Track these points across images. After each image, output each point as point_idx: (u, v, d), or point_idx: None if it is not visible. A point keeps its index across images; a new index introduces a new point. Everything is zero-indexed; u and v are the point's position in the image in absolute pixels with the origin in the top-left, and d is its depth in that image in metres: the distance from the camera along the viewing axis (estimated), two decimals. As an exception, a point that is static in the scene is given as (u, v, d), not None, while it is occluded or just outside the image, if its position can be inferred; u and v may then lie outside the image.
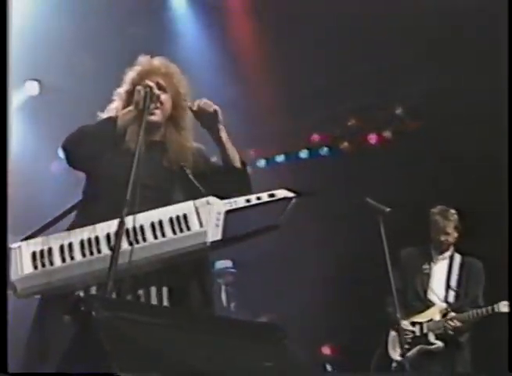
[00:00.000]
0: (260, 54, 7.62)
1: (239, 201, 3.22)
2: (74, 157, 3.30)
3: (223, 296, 7.60)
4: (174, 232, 3.11)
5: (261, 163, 8.68)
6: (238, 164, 3.37)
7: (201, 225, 3.15)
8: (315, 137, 8.44)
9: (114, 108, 3.48)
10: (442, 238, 5.33)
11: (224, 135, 3.31)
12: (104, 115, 3.49)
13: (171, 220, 3.13)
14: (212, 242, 3.11)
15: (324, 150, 8.40)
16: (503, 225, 6.00)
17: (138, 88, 3.24)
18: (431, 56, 7.07)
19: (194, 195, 3.27)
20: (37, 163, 8.40)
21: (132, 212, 2.98)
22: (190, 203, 3.21)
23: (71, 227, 3.21)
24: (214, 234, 3.15)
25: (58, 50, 7.24)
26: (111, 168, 3.22)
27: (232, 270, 7.74)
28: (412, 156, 7.36)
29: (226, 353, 2.31)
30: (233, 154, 3.37)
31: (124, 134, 3.30)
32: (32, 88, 7.84)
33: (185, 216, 3.15)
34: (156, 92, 3.23)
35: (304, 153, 8.47)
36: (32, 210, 7.73)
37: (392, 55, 7.18)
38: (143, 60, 3.50)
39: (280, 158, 8.63)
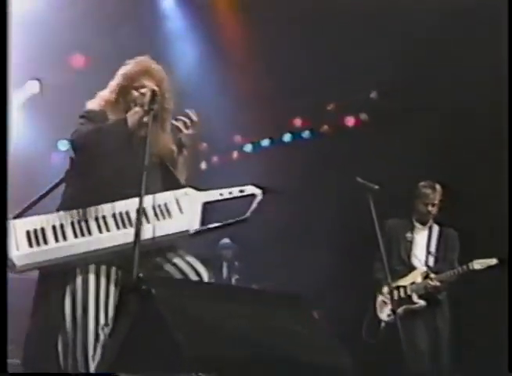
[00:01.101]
0: (245, 46, 7.84)
1: (214, 194, 3.49)
2: (87, 153, 3.41)
3: (224, 271, 7.91)
4: (157, 218, 3.31)
5: (248, 147, 9.02)
6: (182, 179, 3.60)
7: (181, 212, 3.39)
8: (298, 121, 8.77)
9: (102, 97, 3.66)
10: (429, 208, 5.63)
11: (181, 159, 3.59)
12: (92, 103, 3.66)
13: (153, 207, 3.32)
14: (192, 230, 3.35)
15: (306, 134, 8.76)
16: (476, 198, 6.50)
17: (143, 90, 3.51)
18: (404, 44, 7.16)
19: (172, 186, 3.51)
20: (38, 155, 8.50)
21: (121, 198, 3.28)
22: (171, 193, 3.44)
23: (64, 207, 3.38)
24: (194, 223, 3.39)
25: (55, 50, 7.35)
26: (117, 163, 3.39)
27: (232, 246, 8.05)
28: (386, 136, 7.59)
29: (263, 321, 2.56)
30: (181, 174, 3.62)
31: (133, 132, 3.43)
32: (33, 86, 7.91)
33: (165, 205, 3.38)
34: (158, 96, 3.41)
35: (287, 137, 8.85)
36: (32, 197, 8.08)
37: (367, 43, 7.32)
38: (140, 60, 3.72)
39: (265, 142, 8.97)
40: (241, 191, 3.51)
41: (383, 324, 5.49)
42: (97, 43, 7.39)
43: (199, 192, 3.49)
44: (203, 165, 8.83)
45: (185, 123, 3.52)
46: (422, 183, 5.75)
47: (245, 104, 8.21)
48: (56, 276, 3.25)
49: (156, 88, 3.47)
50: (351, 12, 7.00)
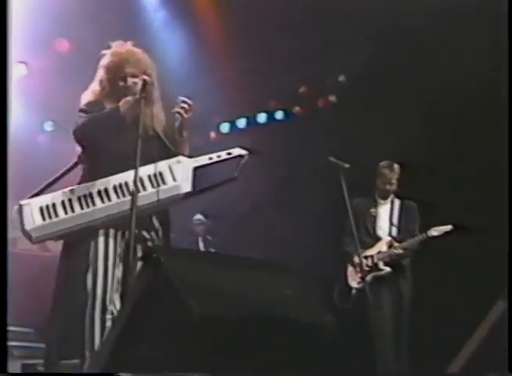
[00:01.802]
0: (223, 31, 8.05)
1: (204, 159, 3.72)
2: (87, 142, 3.76)
3: (201, 245, 8.04)
4: (152, 186, 3.58)
5: (225, 127, 9.24)
6: (186, 152, 3.85)
7: (174, 179, 3.63)
8: (272, 103, 8.97)
9: (93, 90, 3.91)
10: (387, 187, 6.01)
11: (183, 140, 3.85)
12: (86, 95, 3.92)
13: (149, 177, 3.60)
14: (185, 193, 3.62)
15: (280, 114, 8.97)
16: (436, 173, 6.81)
17: (134, 80, 3.75)
18: (372, 29, 7.42)
19: (166, 154, 3.73)
20: (25, 136, 8.79)
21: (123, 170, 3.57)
22: (164, 162, 3.66)
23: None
24: (186, 187, 3.64)
25: (40, 34, 7.56)
26: (115, 145, 3.68)
27: (205, 221, 8.21)
28: (353, 117, 7.87)
29: (259, 285, 2.84)
30: (185, 146, 3.89)
31: (125, 119, 3.70)
32: (20, 69, 8.07)
33: (160, 173, 3.62)
34: (149, 84, 3.67)
35: (262, 118, 9.03)
36: (20, 177, 8.32)
37: (335, 29, 7.61)
38: (118, 50, 3.94)
39: (241, 122, 9.16)
40: (229, 153, 3.74)
41: (353, 291, 5.84)
42: (80, 29, 7.57)
43: (190, 159, 3.74)
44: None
45: (185, 109, 3.79)
46: (381, 163, 6.10)
47: (222, 87, 8.38)
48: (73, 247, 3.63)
49: (147, 78, 3.70)
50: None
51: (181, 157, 3.73)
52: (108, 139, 3.68)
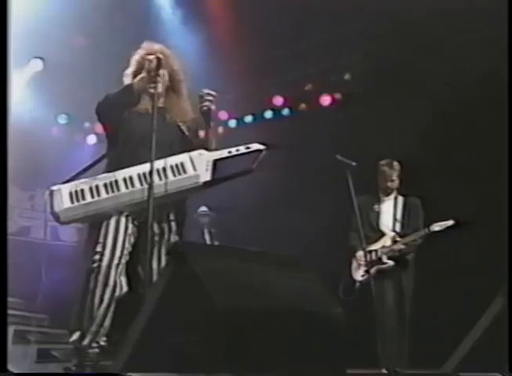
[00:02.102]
0: (232, 31, 8.05)
1: (224, 152, 3.90)
2: (104, 117, 4.03)
3: (206, 236, 8.21)
4: (174, 175, 3.77)
5: (233, 123, 9.39)
6: (213, 147, 3.99)
7: (195, 170, 3.82)
8: (278, 100, 9.09)
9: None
10: (388, 184, 6.17)
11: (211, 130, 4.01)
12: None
13: (171, 167, 3.80)
14: (204, 182, 3.81)
15: (286, 111, 9.09)
16: (439, 170, 6.96)
17: (150, 57, 3.91)
18: (376, 28, 7.63)
19: (188, 147, 3.94)
20: (41, 128, 8.99)
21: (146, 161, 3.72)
22: (186, 154, 3.87)
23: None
24: (205, 176, 3.83)
25: (57, 31, 7.59)
26: (131, 125, 3.93)
27: (209, 213, 8.34)
28: (358, 115, 7.99)
29: (273, 277, 3.01)
30: (211, 140, 4.03)
31: (139, 96, 3.99)
32: (36, 64, 8.31)
33: (182, 164, 3.81)
34: (162, 61, 3.88)
35: (268, 114, 9.16)
36: (35, 166, 8.54)
37: (341, 28, 7.79)
38: (146, 45, 4.17)
39: (248, 119, 9.32)
40: (247, 148, 3.91)
41: (357, 284, 6.00)
42: (97, 26, 7.69)
43: (210, 152, 3.91)
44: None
45: (211, 101, 3.98)
46: (382, 162, 6.26)
47: (230, 83, 8.43)
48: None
49: (160, 55, 3.91)
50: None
51: (202, 151, 3.90)
52: (123, 114, 3.95)
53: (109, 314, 3.71)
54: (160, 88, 3.98)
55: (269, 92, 9.14)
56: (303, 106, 9.06)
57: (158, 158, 3.72)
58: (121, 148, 3.95)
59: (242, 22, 7.99)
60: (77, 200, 3.74)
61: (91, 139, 9.62)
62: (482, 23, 6.69)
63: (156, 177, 3.71)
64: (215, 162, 3.86)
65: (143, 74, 3.93)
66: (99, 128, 8.97)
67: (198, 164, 3.83)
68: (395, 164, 6.23)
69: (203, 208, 8.31)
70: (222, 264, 2.88)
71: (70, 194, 3.76)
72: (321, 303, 3.06)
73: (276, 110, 9.19)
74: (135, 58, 4.17)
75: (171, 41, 7.98)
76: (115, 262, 3.74)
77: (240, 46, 8.18)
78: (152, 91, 3.90)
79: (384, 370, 5.28)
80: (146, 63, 3.92)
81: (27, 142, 8.57)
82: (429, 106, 7.18)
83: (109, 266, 3.71)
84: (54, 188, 3.84)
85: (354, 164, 5.35)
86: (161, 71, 3.95)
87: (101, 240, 3.76)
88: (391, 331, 5.67)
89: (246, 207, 8.32)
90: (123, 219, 3.83)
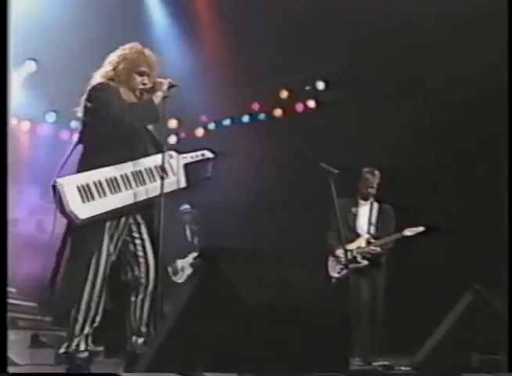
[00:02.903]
0: (215, 42, 8.34)
1: (187, 158, 4.15)
2: (122, 124, 3.88)
3: (188, 233, 8.34)
4: (161, 178, 3.80)
5: (212, 126, 9.64)
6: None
7: (174, 174, 3.97)
8: (255, 106, 9.42)
9: (106, 74, 4.06)
10: (369, 190, 6.44)
11: None
12: (98, 75, 4.07)
13: (155, 168, 3.91)
14: (182, 188, 4.01)
15: (262, 116, 9.42)
16: (412, 179, 7.32)
17: (146, 79, 4.04)
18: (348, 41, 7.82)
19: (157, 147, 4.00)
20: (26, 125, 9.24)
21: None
22: (160, 156, 3.89)
23: (85, 168, 3.79)
24: (183, 182, 4.02)
25: (50, 33, 7.76)
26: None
27: (191, 211, 8.43)
28: (330, 121, 8.33)
29: (289, 277, 3.30)
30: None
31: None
32: (30, 66, 8.47)
33: (163, 169, 3.85)
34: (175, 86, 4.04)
35: (246, 118, 9.47)
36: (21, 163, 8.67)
37: (316, 40, 8.00)
38: (135, 46, 4.17)
39: (227, 122, 9.58)
40: (203, 154, 4.25)
41: (333, 280, 6.26)
42: (87, 27, 7.81)
43: (179, 155, 4.14)
44: (173, 140, 9.34)
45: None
46: (364, 169, 6.52)
47: (211, 88, 8.72)
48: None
49: (171, 80, 4.05)
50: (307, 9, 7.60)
51: (172, 152, 4.10)
52: (142, 126, 4.03)
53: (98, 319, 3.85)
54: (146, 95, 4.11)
55: (247, 97, 9.42)
56: (278, 111, 9.37)
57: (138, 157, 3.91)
58: (109, 143, 3.89)
59: (225, 34, 8.29)
60: (87, 199, 3.70)
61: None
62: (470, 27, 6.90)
63: (146, 177, 3.91)
64: (186, 167, 4.10)
65: (159, 93, 4.02)
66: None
67: (175, 168, 4.02)
68: (376, 172, 6.50)
69: (186, 206, 8.44)
70: (246, 265, 3.12)
71: (79, 189, 3.71)
72: (327, 297, 3.39)
73: (253, 115, 9.49)
74: (124, 54, 4.15)
75: (159, 44, 8.29)
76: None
77: (222, 56, 8.45)
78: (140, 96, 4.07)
79: (358, 360, 5.59)
80: (157, 85, 4.05)
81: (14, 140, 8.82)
82: (400, 115, 7.56)
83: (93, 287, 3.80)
84: (60, 181, 3.71)
85: (336, 171, 5.57)
86: (147, 78, 4.10)
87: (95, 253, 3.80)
88: (364, 324, 5.96)
89: (227, 207, 8.56)
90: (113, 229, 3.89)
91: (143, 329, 3.92)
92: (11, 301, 7.64)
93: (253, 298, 2.85)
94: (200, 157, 4.19)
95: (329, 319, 3.25)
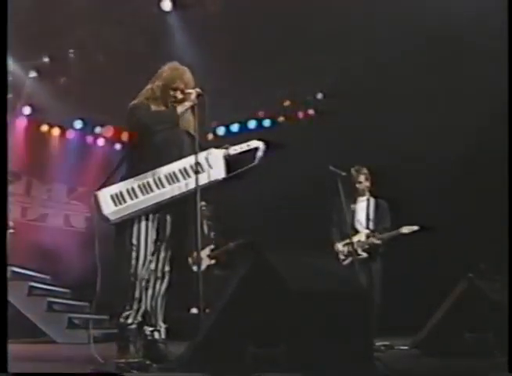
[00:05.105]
0: (226, 52, 8.46)
1: (230, 150, 4.09)
2: (143, 130, 4.02)
3: (205, 228, 8.36)
4: (195, 174, 3.84)
5: (221, 130, 9.92)
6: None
7: (211, 168, 3.99)
8: (261, 113, 9.70)
9: (144, 94, 4.19)
10: (357, 186, 6.51)
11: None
12: (139, 96, 4.17)
13: (190, 166, 3.92)
14: (221, 178, 3.99)
15: (267, 122, 9.71)
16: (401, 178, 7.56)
17: (189, 91, 4.09)
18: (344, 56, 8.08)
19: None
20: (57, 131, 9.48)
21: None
22: (201, 154, 3.97)
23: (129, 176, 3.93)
24: (221, 173, 4.01)
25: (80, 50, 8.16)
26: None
27: (207, 207, 8.42)
28: (327, 128, 8.62)
29: (320, 265, 3.47)
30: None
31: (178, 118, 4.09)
32: (61, 79, 8.75)
33: (199, 164, 3.90)
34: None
35: (252, 124, 9.78)
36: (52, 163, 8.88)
37: (316, 55, 8.26)
38: (174, 65, 4.29)
39: (235, 127, 9.89)
40: (248, 145, 4.15)
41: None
42: (112, 45, 8.06)
43: (218, 150, 4.09)
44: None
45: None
46: (353, 168, 6.60)
47: (221, 96, 8.47)
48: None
49: (200, 91, 4.14)
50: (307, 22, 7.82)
51: (211, 149, 4.12)
52: (163, 131, 4.08)
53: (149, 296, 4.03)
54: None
55: (253, 105, 9.65)
56: (282, 118, 9.68)
57: (173, 160, 3.96)
58: (145, 153, 4.03)
59: (234, 46, 8.45)
60: (120, 203, 3.87)
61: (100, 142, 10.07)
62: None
63: (180, 176, 3.94)
64: (226, 160, 4.06)
65: (187, 103, 4.12)
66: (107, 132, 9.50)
67: (213, 162, 4.02)
68: (363, 169, 6.61)
69: (202, 203, 8.49)
70: (287, 255, 3.28)
71: (112, 197, 3.89)
72: (348, 282, 3.63)
73: (259, 121, 9.76)
74: (162, 74, 4.25)
75: (176, 57, 8.41)
76: (148, 259, 3.98)
77: (231, 66, 8.61)
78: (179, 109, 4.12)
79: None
80: (187, 96, 4.13)
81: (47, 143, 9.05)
82: (389, 121, 7.81)
83: (144, 261, 3.96)
84: (98, 192, 3.90)
85: (344, 174, 5.78)
86: (181, 95, 4.16)
87: (134, 241, 3.95)
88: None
89: (241, 205, 8.75)
90: (150, 223, 4.00)
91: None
92: (46, 287, 7.96)
93: (297, 285, 3.03)
94: (246, 148, 4.14)
95: (355, 303, 3.41)
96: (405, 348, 5.14)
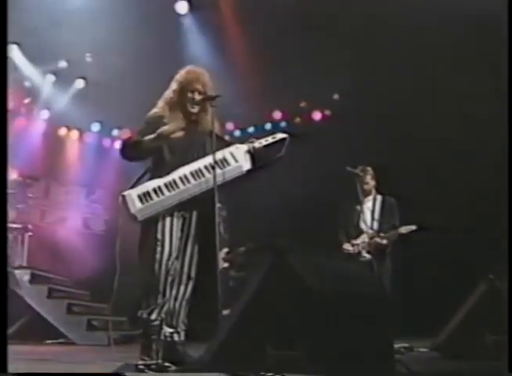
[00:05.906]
0: (242, 54, 8.46)
1: (255, 144, 4.10)
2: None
3: (221, 229, 8.12)
4: (220, 168, 3.94)
5: (237, 133, 9.87)
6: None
7: (236, 161, 4.03)
8: (277, 114, 9.66)
9: (165, 98, 4.18)
10: (364, 186, 6.29)
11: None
12: (156, 107, 4.17)
13: (215, 162, 3.93)
14: (247, 170, 4.03)
15: (283, 124, 9.62)
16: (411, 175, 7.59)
17: (199, 96, 4.06)
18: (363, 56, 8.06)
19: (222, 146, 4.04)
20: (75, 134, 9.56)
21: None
22: (226, 150, 4.05)
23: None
24: (247, 165, 4.05)
25: (98, 54, 8.20)
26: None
27: (222, 209, 8.22)
28: (344, 128, 8.58)
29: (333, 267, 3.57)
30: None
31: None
32: (79, 83, 8.86)
33: (225, 158, 4.01)
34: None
35: (268, 126, 9.69)
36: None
37: (331, 56, 8.14)
38: (189, 69, 4.25)
39: (251, 129, 9.85)
40: (274, 137, 4.15)
41: None
42: (128, 49, 7.93)
43: (244, 145, 4.11)
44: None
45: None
46: (357, 169, 6.27)
47: (237, 99, 8.58)
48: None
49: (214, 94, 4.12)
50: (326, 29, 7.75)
51: (237, 144, 4.16)
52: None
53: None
54: (197, 109, 4.20)
55: (269, 107, 9.64)
56: (298, 120, 9.63)
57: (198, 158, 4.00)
58: (167, 155, 4.09)
59: (251, 48, 8.42)
60: (146, 201, 3.91)
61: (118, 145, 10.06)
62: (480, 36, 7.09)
63: (205, 172, 3.98)
64: (251, 153, 4.09)
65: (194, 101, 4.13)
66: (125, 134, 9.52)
67: (238, 156, 4.06)
68: (368, 168, 6.44)
69: (218, 205, 8.63)
70: (306, 256, 3.31)
71: (139, 197, 3.94)
72: (363, 284, 3.62)
73: (275, 123, 9.71)
74: (178, 78, 4.24)
75: (193, 60, 8.44)
76: (173, 255, 4.01)
77: (247, 68, 8.60)
78: (193, 111, 4.16)
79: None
80: (196, 99, 4.13)
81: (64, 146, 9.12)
82: (402, 121, 7.85)
83: (169, 256, 3.98)
84: (125, 193, 3.95)
85: (361, 174, 5.79)
86: (199, 97, 4.16)
87: (159, 236, 3.98)
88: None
89: (254, 207, 8.77)
90: (175, 219, 4.04)
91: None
92: (66, 289, 8.01)
93: (317, 286, 3.05)
94: (271, 140, 4.15)
95: (375, 304, 3.44)
96: (425, 350, 5.11)
